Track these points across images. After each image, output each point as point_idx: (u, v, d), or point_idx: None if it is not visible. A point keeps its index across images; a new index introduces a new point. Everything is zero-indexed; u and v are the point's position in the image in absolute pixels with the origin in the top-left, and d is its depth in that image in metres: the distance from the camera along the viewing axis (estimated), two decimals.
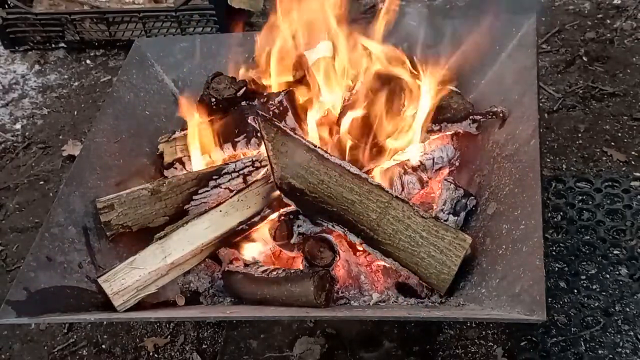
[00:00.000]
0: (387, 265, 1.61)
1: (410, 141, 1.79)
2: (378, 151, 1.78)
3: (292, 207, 1.68)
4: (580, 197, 2.03)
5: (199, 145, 1.91)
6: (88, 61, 3.02)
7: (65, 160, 2.54)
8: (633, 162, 2.13)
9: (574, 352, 1.67)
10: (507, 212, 1.53)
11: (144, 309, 1.62)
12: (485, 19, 1.85)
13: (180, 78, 2.17)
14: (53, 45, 3.06)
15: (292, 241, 1.66)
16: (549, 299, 1.74)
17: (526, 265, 1.35)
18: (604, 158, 2.17)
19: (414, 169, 1.76)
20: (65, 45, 3.05)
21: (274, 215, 1.72)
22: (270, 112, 1.86)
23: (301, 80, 1.94)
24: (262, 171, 1.78)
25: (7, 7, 2.96)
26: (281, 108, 1.88)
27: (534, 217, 1.42)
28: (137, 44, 2.21)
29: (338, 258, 1.63)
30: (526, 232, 1.42)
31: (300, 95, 1.92)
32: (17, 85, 2.95)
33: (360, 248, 1.66)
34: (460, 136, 1.87)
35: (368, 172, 1.71)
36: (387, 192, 1.54)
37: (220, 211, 1.66)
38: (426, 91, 1.80)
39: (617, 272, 1.82)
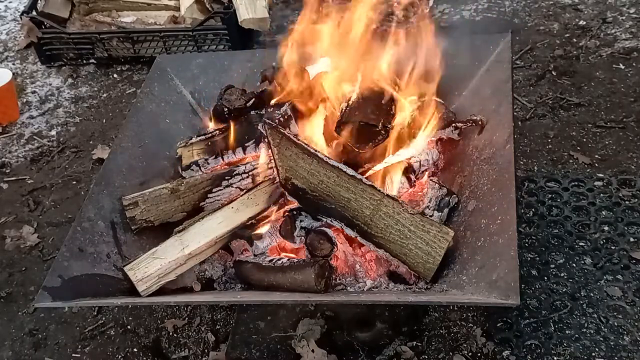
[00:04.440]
0: (380, 256, 1.60)
1: (400, 146, 1.79)
2: (371, 155, 1.78)
3: (295, 205, 1.68)
4: (549, 195, 2.03)
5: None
6: (115, 75, 3.02)
7: (95, 162, 2.54)
8: (596, 165, 2.13)
9: (544, 332, 1.66)
10: (485, 209, 1.53)
11: (165, 294, 1.62)
12: (466, 38, 1.85)
13: (196, 90, 2.17)
14: (84, 61, 3.05)
15: (295, 234, 1.65)
16: (522, 286, 1.74)
17: (502, 256, 1.35)
18: (571, 161, 2.16)
19: (403, 170, 1.76)
20: (95, 61, 3.05)
21: (280, 212, 1.72)
22: (276, 120, 1.86)
23: (304, 92, 1.94)
24: (269, 173, 1.78)
25: (43, 27, 2.96)
26: (286, 117, 1.88)
27: (509, 213, 1.41)
28: (158, 60, 2.21)
29: (336, 249, 1.63)
30: (502, 226, 1.42)
31: (303, 105, 1.91)
32: (53, 96, 2.95)
33: (356, 240, 1.66)
34: (444, 141, 1.87)
35: (362, 173, 1.70)
36: (379, 191, 1.54)
37: (232, 208, 1.66)
38: (414, 103, 1.80)
39: (583, 262, 1.82)
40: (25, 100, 2.93)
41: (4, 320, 1.98)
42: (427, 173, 1.81)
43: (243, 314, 1.76)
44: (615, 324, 1.66)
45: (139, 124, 1.98)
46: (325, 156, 1.60)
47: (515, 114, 2.27)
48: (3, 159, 2.63)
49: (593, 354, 1.60)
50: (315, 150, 1.60)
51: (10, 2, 3.66)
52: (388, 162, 1.78)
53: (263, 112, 1.91)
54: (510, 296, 1.24)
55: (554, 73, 2.56)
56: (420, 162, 1.78)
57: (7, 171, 2.57)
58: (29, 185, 2.49)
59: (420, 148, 1.80)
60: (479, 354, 1.65)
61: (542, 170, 2.14)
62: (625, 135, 2.22)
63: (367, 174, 1.74)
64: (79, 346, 1.87)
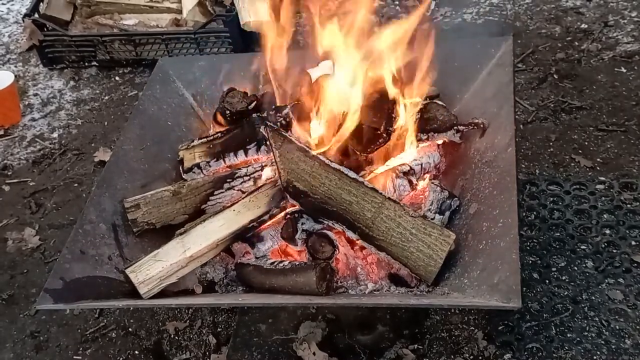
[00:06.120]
0: (381, 259, 1.61)
1: (401, 149, 1.79)
2: (373, 157, 1.78)
3: (297, 207, 1.68)
4: (551, 199, 2.03)
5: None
6: (117, 78, 3.03)
7: (96, 165, 2.54)
8: (598, 168, 2.13)
9: (546, 335, 1.66)
10: (486, 212, 1.53)
11: (166, 296, 1.62)
12: (468, 41, 1.85)
13: (198, 93, 2.17)
14: (86, 64, 3.06)
15: (297, 237, 1.66)
16: (524, 289, 1.73)
17: (503, 259, 1.35)
18: (572, 164, 2.16)
19: (405, 173, 1.76)
20: (97, 64, 3.05)
21: (281, 214, 1.73)
22: (278, 123, 1.86)
23: (306, 94, 1.94)
24: (271, 175, 1.78)
25: (45, 30, 2.97)
26: (288, 119, 1.88)
27: (511, 216, 1.42)
28: (160, 62, 2.21)
29: (337, 252, 1.63)
30: (503, 229, 1.42)
31: (305, 108, 1.91)
32: (55, 99, 2.96)
33: (357, 243, 1.66)
34: (446, 144, 1.87)
35: (364, 176, 1.71)
36: (381, 194, 1.54)
37: (234, 210, 1.66)
38: (415, 105, 1.80)
39: (584, 265, 1.82)
40: (27, 102, 2.94)
41: (5, 322, 1.98)
42: (428, 176, 1.82)
43: (244, 317, 1.76)
44: (617, 327, 1.66)
45: (140, 127, 1.99)
46: (327, 159, 1.60)
47: (517, 117, 2.27)
48: (5, 162, 2.63)
49: (595, 358, 1.60)
50: (317, 153, 1.61)
51: (12, 4, 3.67)
52: (390, 165, 1.78)
53: (265, 114, 1.91)
54: (512, 299, 1.25)
55: (555, 76, 2.56)
56: (421, 165, 1.78)
57: (9, 173, 2.58)
58: (31, 187, 2.50)
59: (418, 151, 1.80)
60: (480, 357, 1.65)
61: (543, 173, 2.14)
62: (627, 138, 2.22)
63: (369, 177, 1.74)
64: (80, 348, 1.87)
